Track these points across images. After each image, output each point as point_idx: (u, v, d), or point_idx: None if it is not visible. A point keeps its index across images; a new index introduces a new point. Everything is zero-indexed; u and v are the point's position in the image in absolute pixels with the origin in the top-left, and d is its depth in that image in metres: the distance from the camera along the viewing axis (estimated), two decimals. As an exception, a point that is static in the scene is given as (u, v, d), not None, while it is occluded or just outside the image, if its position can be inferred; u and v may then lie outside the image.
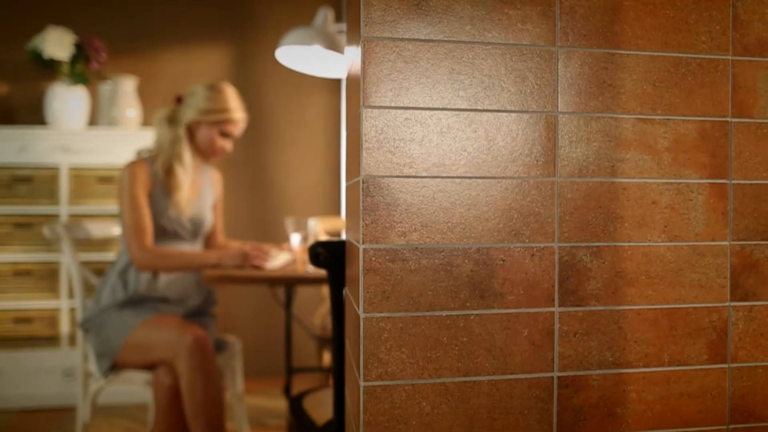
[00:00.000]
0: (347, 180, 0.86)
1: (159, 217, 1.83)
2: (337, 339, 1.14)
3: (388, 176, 0.68)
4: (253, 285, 2.76)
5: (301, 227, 1.88)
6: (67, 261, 1.89)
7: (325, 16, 1.82)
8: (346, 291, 0.89)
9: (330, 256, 1.10)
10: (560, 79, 0.72)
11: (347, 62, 0.87)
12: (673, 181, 0.75)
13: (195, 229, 1.93)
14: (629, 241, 0.74)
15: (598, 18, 0.73)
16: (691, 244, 0.75)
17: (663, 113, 0.74)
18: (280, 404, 2.64)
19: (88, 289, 2.39)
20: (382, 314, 0.68)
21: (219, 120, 1.87)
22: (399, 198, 0.69)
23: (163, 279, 1.83)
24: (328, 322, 2.41)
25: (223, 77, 2.97)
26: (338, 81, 3.09)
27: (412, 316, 0.69)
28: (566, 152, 0.72)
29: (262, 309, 3.04)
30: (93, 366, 1.78)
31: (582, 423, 0.73)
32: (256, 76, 3.04)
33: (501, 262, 0.71)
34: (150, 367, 1.70)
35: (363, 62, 0.68)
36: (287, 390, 1.94)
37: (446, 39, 0.69)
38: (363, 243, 0.68)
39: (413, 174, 0.69)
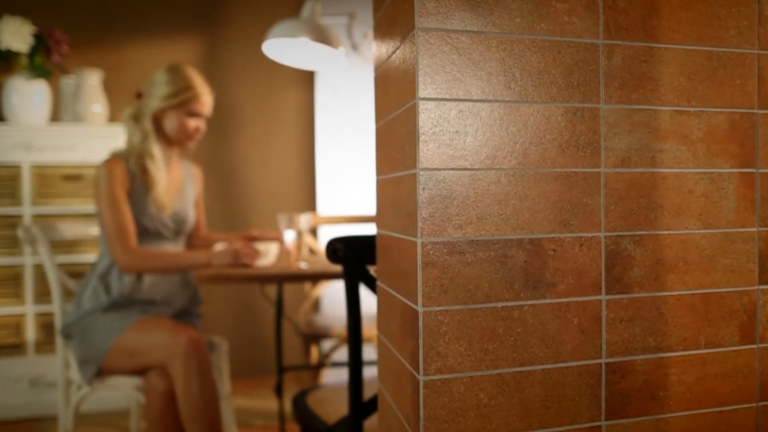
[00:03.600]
0: (383, 174, 0.85)
1: (140, 216, 1.76)
2: (352, 334, 1.13)
3: (444, 169, 0.68)
4: (244, 284, 2.69)
5: (293, 223, 1.84)
6: (45, 263, 1.79)
7: (312, 8, 1.79)
8: (382, 286, 0.88)
9: (348, 251, 1.09)
10: (603, 72, 0.73)
11: (379, 55, 0.86)
12: (706, 170, 0.78)
13: (177, 227, 1.86)
14: (668, 230, 0.76)
15: (637, 12, 0.74)
16: (723, 231, 0.79)
17: (697, 105, 0.77)
18: (265, 404, 2.59)
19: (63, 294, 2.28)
20: (441, 308, 0.68)
21: (183, 100, 1.78)
22: (455, 191, 0.68)
23: (148, 280, 1.76)
24: (313, 318, 2.38)
25: (193, 71, 2.87)
26: (311, 75, 3.05)
27: (469, 309, 0.69)
28: (610, 144, 0.74)
29: (242, 308, 2.98)
30: (75, 373, 1.70)
31: (628, 407, 0.75)
32: (226, 69, 2.96)
33: (552, 252, 0.72)
34: (139, 371, 1.63)
35: (417, 53, 0.67)
36: (278, 389, 1.91)
37: (498, 31, 0.69)
38: (421, 237, 0.67)
39: (468, 166, 0.69)
